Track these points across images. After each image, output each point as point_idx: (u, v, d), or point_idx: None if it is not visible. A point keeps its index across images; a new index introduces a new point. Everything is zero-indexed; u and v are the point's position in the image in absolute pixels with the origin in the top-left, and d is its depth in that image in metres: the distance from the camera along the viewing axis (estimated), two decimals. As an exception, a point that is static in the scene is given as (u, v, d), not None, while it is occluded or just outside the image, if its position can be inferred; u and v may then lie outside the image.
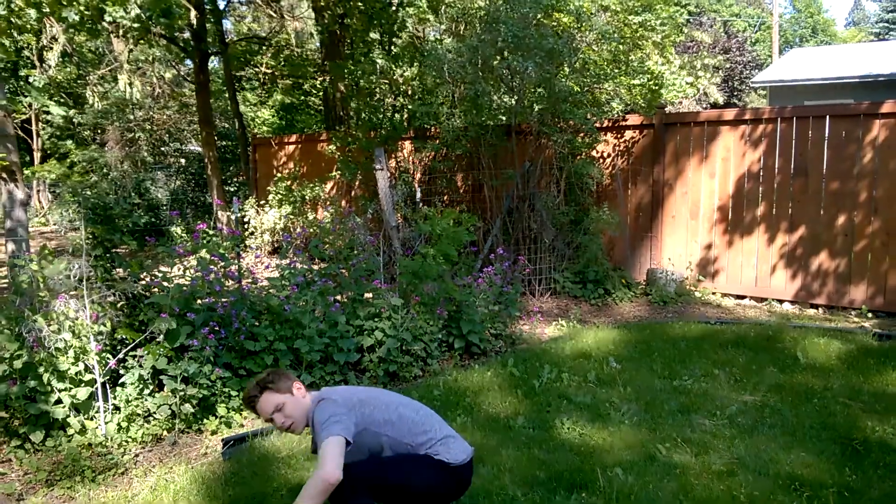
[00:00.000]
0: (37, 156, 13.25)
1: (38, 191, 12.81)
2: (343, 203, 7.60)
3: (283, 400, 2.03)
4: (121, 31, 6.69)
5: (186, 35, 8.57)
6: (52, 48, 6.66)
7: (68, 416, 2.88)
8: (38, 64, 10.13)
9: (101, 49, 11.78)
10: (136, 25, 6.02)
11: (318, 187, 7.88)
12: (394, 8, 7.92)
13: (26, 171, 10.83)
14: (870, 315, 4.93)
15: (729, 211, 5.61)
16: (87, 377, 2.96)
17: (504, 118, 6.02)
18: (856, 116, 5.00)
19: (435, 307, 4.11)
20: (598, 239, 5.70)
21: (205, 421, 3.13)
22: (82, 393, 2.91)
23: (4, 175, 3.99)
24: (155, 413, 3.05)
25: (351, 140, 7.25)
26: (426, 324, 3.98)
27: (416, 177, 6.91)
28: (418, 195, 6.36)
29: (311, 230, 7.46)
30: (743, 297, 5.58)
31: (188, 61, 10.59)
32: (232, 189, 10.36)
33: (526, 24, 5.34)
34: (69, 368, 2.92)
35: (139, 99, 10.65)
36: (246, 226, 8.29)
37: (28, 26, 5.81)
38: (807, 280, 5.26)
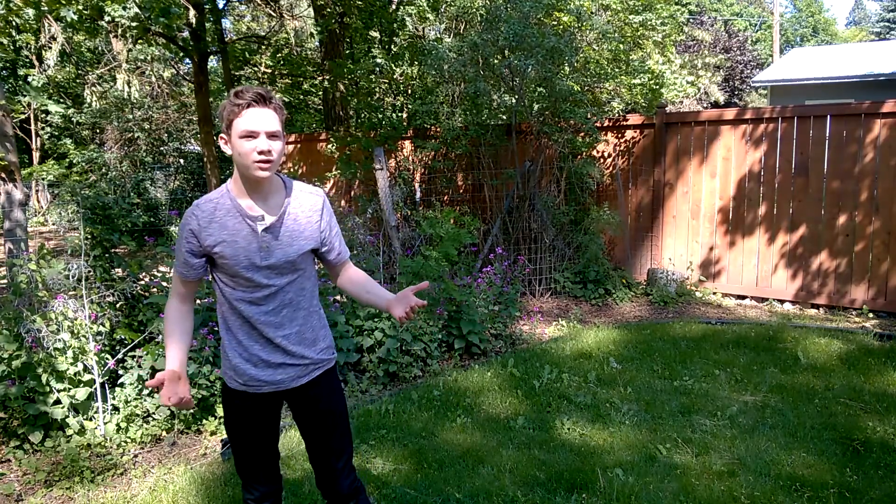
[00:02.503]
0: (36, 155, 13.23)
1: (37, 191, 12.78)
2: (342, 203, 7.58)
3: (281, 134, 1.53)
4: (119, 31, 6.67)
5: (185, 34, 8.54)
6: (50, 48, 6.64)
7: (67, 416, 2.88)
8: (36, 63, 10.11)
9: (99, 48, 11.76)
10: (134, 25, 6.00)
11: (317, 187, 7.84)
12: (393, 6, 7.90)
13: (25, 171, 10.82)
14: (871, 315, 4.92)
15: (730, 211, 5.60)
16: (86, 377, 2.95)
17: (504, 117, 6.01)
18: (857, 116, 4.99)
19: (435, 307, 4.10)
20: (598, 239, 5.69)
21: (204, 421, 3.12)
22: (81, 393, 2.90)
23: (3, 175, 3.98)
24: (154, 413, 3.04)
25: (350, 139, 7.24)
26: (426, 324, 3.97)
27: (415, 176, 6.89)
28: (418, 195, 6.34)
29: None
30: (744, 297, 5.57)
31: (187, 60, 10.57)
32: (231, 188, 10.30)
33: (527, 23, 5.33)
34: (68, 369, 2.91)
35: (138, 98, 10.62)
36: (245, 225, 8.25)
37: (27, 25, 5.80)
38: (807, 280, 5.25)
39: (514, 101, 5.76)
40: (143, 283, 3.53)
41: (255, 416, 1.67)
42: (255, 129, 1.48)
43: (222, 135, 1.55)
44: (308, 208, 1.65)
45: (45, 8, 5.40)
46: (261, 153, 1.49)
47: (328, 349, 1.73)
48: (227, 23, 12.80)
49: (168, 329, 1.62)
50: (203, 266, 1.62)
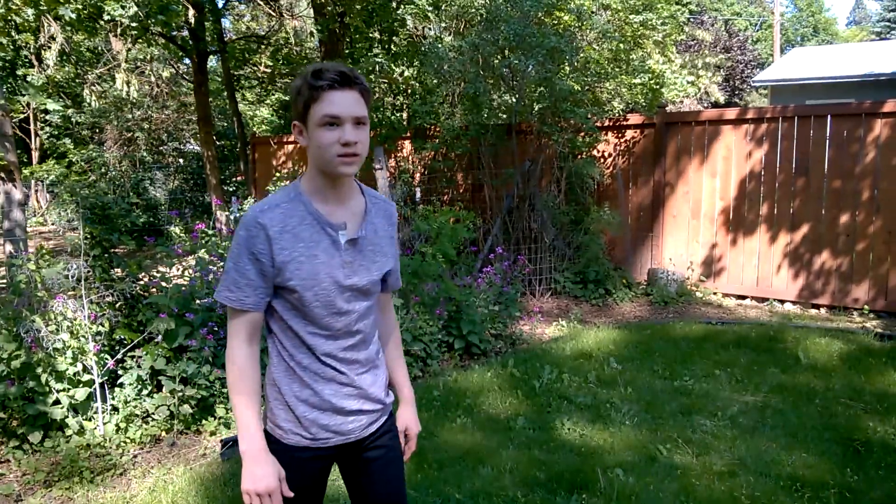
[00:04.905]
0: (35, 155, 13.22)
1: (36, 190, 12.77)
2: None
3: (367, 122, 1.28)
4: (119, 30, 6.66)
5: (185, 34, 8.53)
6: (50, 47, 6.64)
7: (66, 416, 2.87)
8: (36, 63, 10.10)
9: (99, 48, 11.75)
10: (134, 24, 5.99)
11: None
12: (394, 5, 7.89)
13: (24, 171, 10.80)
14: (871, 315, 4.91)
15: (730, 210, 5.60)
16: (86, 378, 2.95)
17: (504, 117, 6.00)
18: (857, 116, 4.98)
19: (435, 307, 4.09)
20: (598, 239, 5.68)
21: (203, 422, 3.12)
22: (80, 393, 2.89)
23: (2, 175, 3.97)
24: (153, 414, 3.03)
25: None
26: (426, 324, 3.96)
27: (415, 176, 6.88)
28: (418, 195, 6.33)
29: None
30: (744, 298, 5.57)
31: (186, 60, 10.55)
32: (231, 189, 10.34)
33: (527, 23, 5.32)
34: (67, 369, 2.91)
35: (137, 98, 10.61)
36: (245, 225, 8.25)
37: (26, 25, 5.79)
38: (809, 280, 5.25)
39: (514, 100, 5.75)
40: (142, 283, 3.52)
41: (313, 475, 1.37)
42: (339, 113, 1.21)
43: (296, 123, 1.27)
44: (385, 219, 1.39)
45: (45, 7, 5.39)
46: (345, 144, 1.22)
47: (389, 391, 1.48)
48: (226, 22, 12.79)
49: (244, 387, 1.26)
50: (272, 291, 1.29)
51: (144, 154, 11.27)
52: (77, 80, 11.46)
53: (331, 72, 1.22)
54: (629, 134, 6.03)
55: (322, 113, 1.22)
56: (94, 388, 2.94)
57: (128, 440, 2.94)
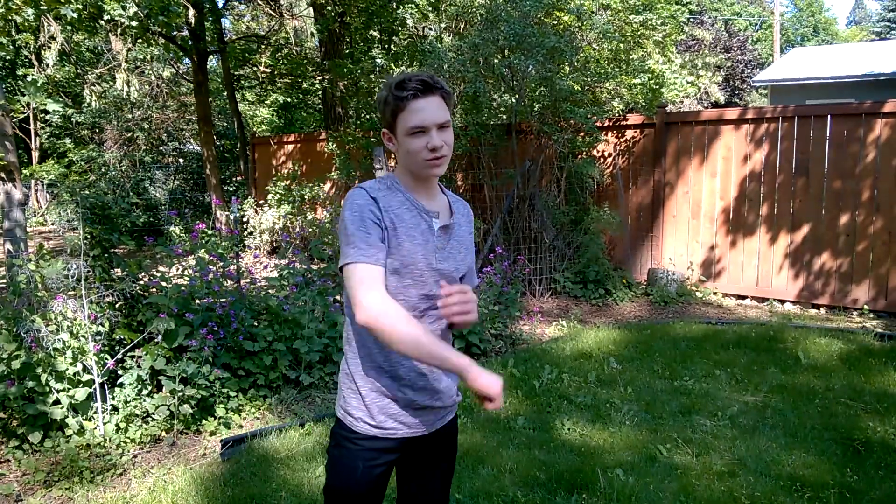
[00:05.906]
0: (35, 155, 13.22)
1: (36, 190, 12.78)
2: (342, 203, 7.58)
3: (450, 124, 1.36)
4: (119, 30, 6.66)
5: (185, 33, 8.54)
6: (50, 47, 6.64)
7: (66, 416, 2.87)
8: (36, 63, 10.10)
9: (99, 48, 11.76)
10: (134, 24, 5.99)
11: (317, 187, 7.87)
12: (394, 5, 7.89)
13: (24, 171, 10.80)
14: (871, 315, 4.92)
15: (730, 211, 5.60)
16: (86, 378, 2.95)
17: (504, 117, 6.00)
18: (857, 116, 4.98)
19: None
20: (598, 239, 5.69)
21: (203, 422, 3.12)
22: (80, 393, 2.89)
23: (2, 175, 3.98)
24: (153, 414, 3.03)
25: (350, 139, 7.23)
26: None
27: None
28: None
29: (311, 230, 7.45)
30: (744, 298, 5.57)
31: (186, 60, 10.56)
32: (231, 189, 10.34)
33: (527, 23, 5.33)
34: (67, 369, 2.91)
35: (137, 98, 10.62)
36: (245, 226, 8.27)
37: (26, 25, 5.79)
38: (809, 280, 5.25)
39: (514, 100, 5.75)
40: (142, 283, 3.53)
41: (376, 468, 1.40)
42: (425, 123, 1.31)
43: (384, 131, 1.38)
44: (464, 216, 1.50)
45: (45, 7, 5.39)
46: (433, 150, 1.31)
47: (459, 392, 1.51)
48: (226, 22, 12.80)
49: (424, 335, 1.29)
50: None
51: (144, 154, 11.27)
52: (77, 80, 11.46)
53: (413, 81, 1.31)
54: (629, 134, 6.03)
55: (409, 125, 1.32)
56: (94, 388, 2.94)
57: (128, 440, 2.94)
